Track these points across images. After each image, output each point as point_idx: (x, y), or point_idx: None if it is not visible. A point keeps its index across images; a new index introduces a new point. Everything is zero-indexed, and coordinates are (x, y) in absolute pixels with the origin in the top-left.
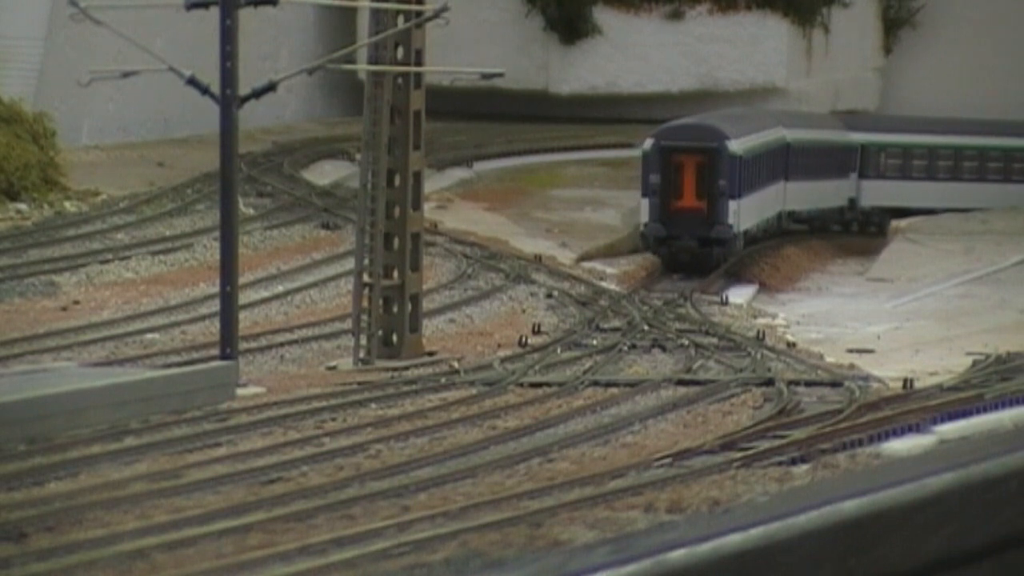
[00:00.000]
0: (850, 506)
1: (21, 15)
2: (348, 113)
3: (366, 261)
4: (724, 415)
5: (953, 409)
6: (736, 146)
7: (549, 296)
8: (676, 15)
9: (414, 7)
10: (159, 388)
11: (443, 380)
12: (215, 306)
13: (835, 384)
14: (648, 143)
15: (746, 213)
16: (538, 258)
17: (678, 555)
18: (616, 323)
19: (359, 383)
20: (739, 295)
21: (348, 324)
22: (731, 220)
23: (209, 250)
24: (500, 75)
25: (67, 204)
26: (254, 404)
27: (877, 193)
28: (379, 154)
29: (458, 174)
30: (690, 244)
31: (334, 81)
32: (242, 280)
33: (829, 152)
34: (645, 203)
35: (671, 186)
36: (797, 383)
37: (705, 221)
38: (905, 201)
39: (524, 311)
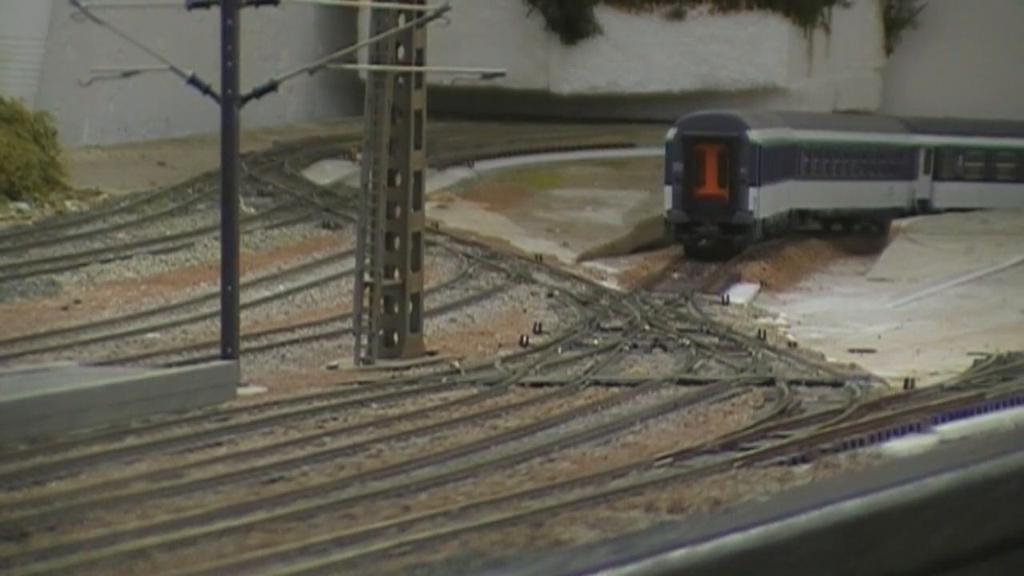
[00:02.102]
0: (851, 506)
1: (22, 15)
2: (349, 113)
3: (367, 261)
4: (725, 415)
5: (954, 409)
6: (756, 136)
7: (550, 296)
8: (677, 15)
9: (415, 7)
10: (160, 388)
11: (444, 380)
12: (216, 305)
13: (836, 384)
14: (671, 132)
15: (765, 202)
16: (539, 258)
17: (679, 555)
18: (617, 323)
19: (360, 383)
20: (740, 295)
21: (349, 324)
22: (751, 207)
23: (210, 250)
24: (501, 75)
25: (68, 204)
26: (255, 404)
27: (953, 195)
28: (380, 154)
29: (459, 174)
30: (712, 230)
31: (335, 81)
32: (243, 280)
33: (875, 154)
34: (668, 190)
35: (693, 174)
36: (798, 383)
37: (726, 208)
38: (986, 202)
39: (525, 311)
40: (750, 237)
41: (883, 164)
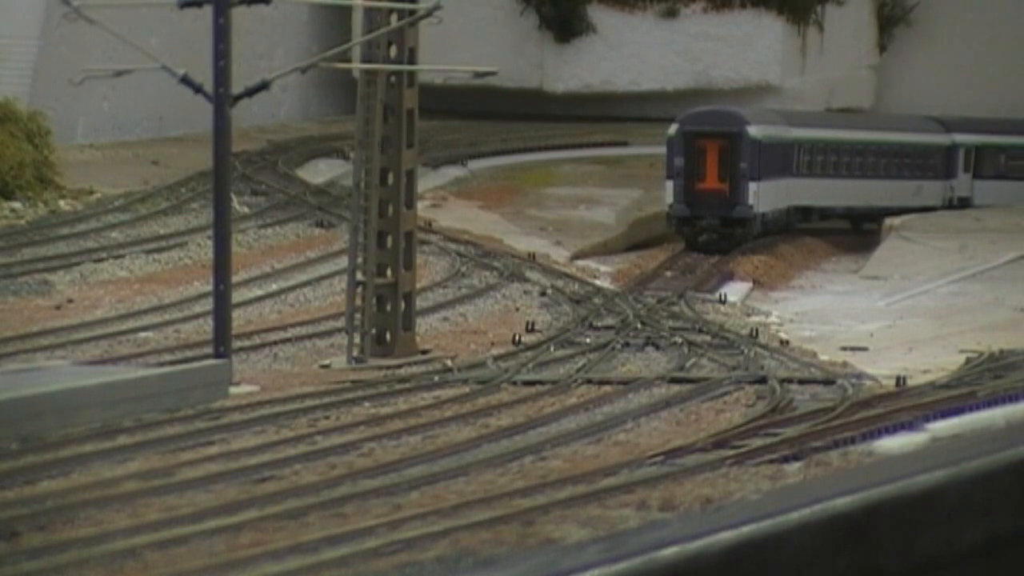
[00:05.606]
0: (842, 504)
1: (16, 14)
2: (342, 111)
3: (360, 259)
4: (717, 413)
5: (946, 407)
6: (756, 131)
7: (543, 294)
8: (670, 13)
9: (407, 5)
10: (152, 386)
11: (436, 378)
12: (209, 304)
13: (828, 382)
14: (673, 128)
15: (764, 196)
16: (532, 256)
17: (670, 552)
18: (609, 321)
19: (352, 381)
20: (733, 293)
21: (342, 322)
22: (751, 201)
23: (203, 248)
24: (494, 73)
25: (61, 203)
26: (247, 402)
27: (993, 193)
28: (372, 153)
29: (452, 172)
30: (712, 223)
31: (329, 79)
32: (236, 278)
33: (903, 152)
34: (670, 185)
35: (695, 169)
36: (790, 381)
37: (727, 201)
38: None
39: (518, 309)
40: (750, 230)
41: (905, 163)
